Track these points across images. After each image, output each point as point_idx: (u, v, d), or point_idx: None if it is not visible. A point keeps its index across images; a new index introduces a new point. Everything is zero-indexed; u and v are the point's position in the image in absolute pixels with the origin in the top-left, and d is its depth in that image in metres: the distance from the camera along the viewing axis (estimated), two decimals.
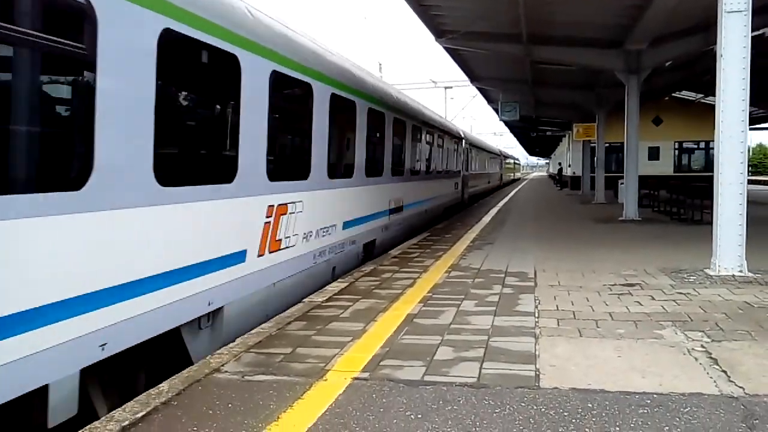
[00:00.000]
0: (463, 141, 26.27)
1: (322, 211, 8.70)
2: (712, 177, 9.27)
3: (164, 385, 4.50)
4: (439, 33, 18.71)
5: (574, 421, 3.84)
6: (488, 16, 16.73)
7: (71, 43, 4.13)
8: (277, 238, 7.12)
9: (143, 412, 3.97)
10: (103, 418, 3.97)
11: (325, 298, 7.46)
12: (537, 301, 7.25)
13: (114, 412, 4.04)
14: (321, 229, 8.59)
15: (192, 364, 5.21)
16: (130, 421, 3.84)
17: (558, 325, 6.19)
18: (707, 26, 15.57)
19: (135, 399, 4.25)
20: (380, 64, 36.85)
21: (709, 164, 33.49)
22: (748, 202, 9.03)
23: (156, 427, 3.81)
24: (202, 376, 4.69)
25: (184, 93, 5.82)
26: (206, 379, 4.64)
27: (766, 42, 18.43)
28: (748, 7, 8.78)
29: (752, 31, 8.97)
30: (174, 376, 4.74)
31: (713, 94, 9.18)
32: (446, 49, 20.44)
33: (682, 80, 27.65)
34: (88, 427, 3.81)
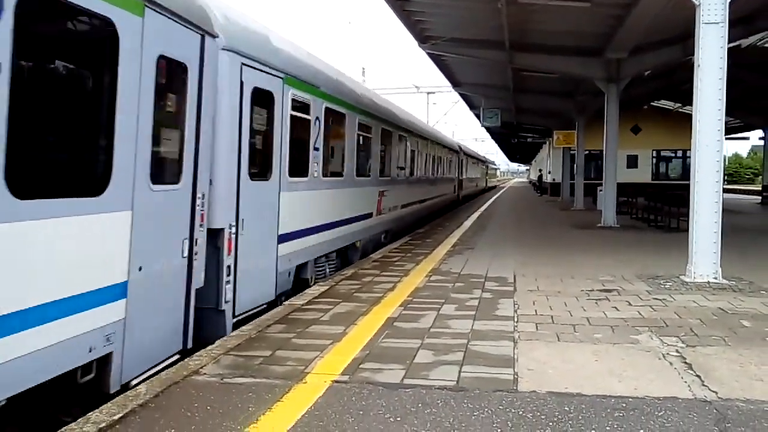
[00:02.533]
0: (255, 70, 7.00)
1: None
2: (689, 185, 9.43)
3: (142, 387, 4.46)
4: (422, 39, 18.81)
5: (551, 424, 3.88)
6: (471, 23, 16.88)
7: None
8: None
9: (120, 414, 3.94)
10: (79, 419, 3.93)
11: (305, 302, 7.44)
12: (516, 306, 7.30)
13: (90, 413, 4.00)
14: None
15: None
16: (107, 423, 3.81)
17: (536, 329, 6.25)
18: (685, 37, 15.85)
19: (112, 401, 4.21)
20: (363, 69, 36.88)
21: (686, 173, 33.96)
22: (723, 210, 9.18)
23: (133, 429, 3.78)
24: (181, 378, 4.66)
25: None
26: (184, 381, 4.61)
27: (743, 53, 18.84)
28: (725, 19, 8.96)
29: (729, 42, 9.15)
30: (151, 378, 4.70)
31: (691, 104, 9.34)
32: (429, 54, 20.56)
33: (660, 90, 28.08)
34: (64, 428, 3.77)
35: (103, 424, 3.79)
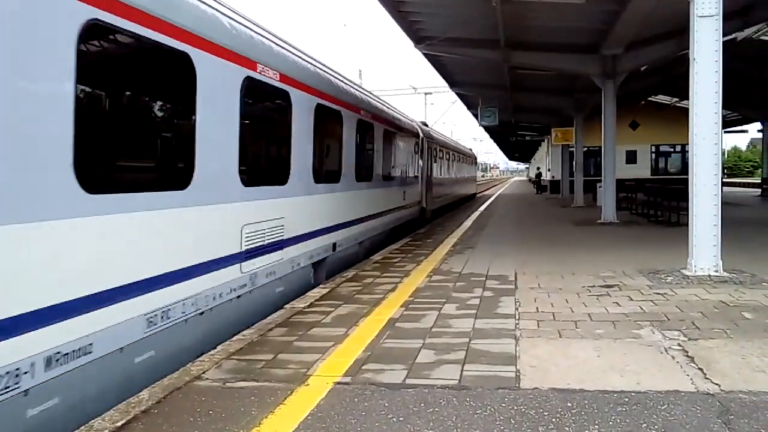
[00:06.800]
0: None
1: None
2: (688, 179, 9.42)
3: (144, 394, 4.46)
4: (418, 39, 18.80)
5: (554, 420, 3.88)
6: (466, 22, 16.88)
7: None
8: None
9: (123, 421, 3.94)
10: (82, 427, 3.93)
11: (306, 304, 7.44)
12: (517, 304, 7.30)
13: (93, 421, 4.00)
14: None
15: None
16: (110, 430, 3.81)
17: (538, 326, 6.25)
18: (681, 31, 15.81)
19: (114, 408, 4.21)
20: (360, 71, 36.92)
21: (685, 167, 33.80)
22: (723, 203, 9.19)
23: None
24: (183, 383, 4.66)
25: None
26: (187, 386, 4.61)
27: (739, 46, 18.83)
28: (719, 12, 8.96)
29: (724, 35, 9.15)
30: (154, 384, 4.71)
31: (688, 98, 9.33)
32: (425, 55, 20.53)
33: (658, 84, 28.06)
34: None
35: (106, 431, 3.79)
